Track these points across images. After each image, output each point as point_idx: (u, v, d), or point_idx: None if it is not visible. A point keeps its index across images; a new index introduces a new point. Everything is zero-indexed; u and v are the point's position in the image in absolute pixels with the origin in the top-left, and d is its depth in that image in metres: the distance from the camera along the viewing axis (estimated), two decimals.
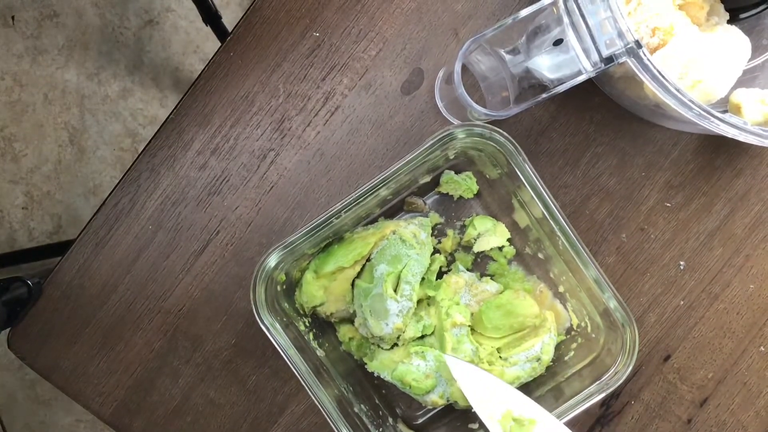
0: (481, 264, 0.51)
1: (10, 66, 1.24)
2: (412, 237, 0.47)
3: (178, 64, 1.25)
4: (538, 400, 0.44)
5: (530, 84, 0.41)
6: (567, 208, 0.51)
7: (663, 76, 0.36)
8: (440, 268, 0.50)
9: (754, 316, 0.51)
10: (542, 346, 0.47)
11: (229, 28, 0.92)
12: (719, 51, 0.42)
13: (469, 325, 0.47)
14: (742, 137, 0.37)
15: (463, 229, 0.51)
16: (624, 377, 0.44)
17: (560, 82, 0.38)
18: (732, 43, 0.44)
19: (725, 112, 0.43)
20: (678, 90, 0.36)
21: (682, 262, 0.51)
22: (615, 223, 0.51)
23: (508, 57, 0.41)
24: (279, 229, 0.51)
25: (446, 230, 0.51)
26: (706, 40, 0.43)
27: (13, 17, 1.24)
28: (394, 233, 0.47)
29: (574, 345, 0.49)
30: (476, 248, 0.50)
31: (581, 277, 0.45)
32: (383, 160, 0.51)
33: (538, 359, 0.47)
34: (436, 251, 0.51)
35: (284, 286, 0.48)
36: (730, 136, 0.37)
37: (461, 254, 0.51)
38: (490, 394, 0.44)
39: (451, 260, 0.51)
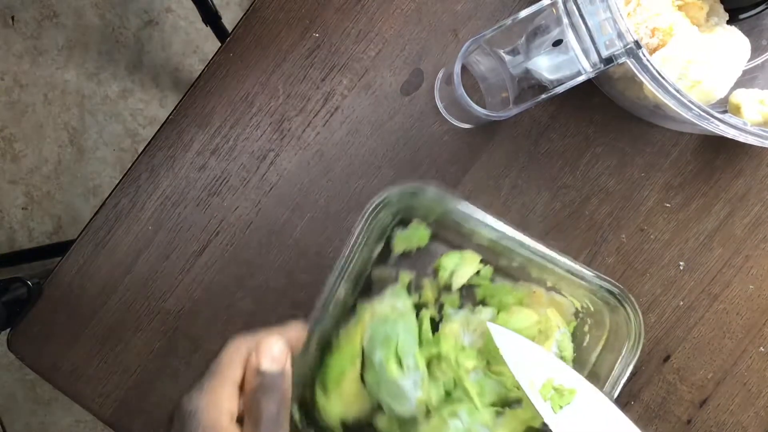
0: (468, 295, 0.51)
1: (10, 66, 1.24)
2: (391, 311, 0.46)
3: (178, 64, 1.25)
4: None
5: (530, 85, 0.41)
6: (567, 208, 0.51)
7: (662, 77, 0.36)
8: (433, 319, 0.49)
9: (754, 316, 0.51)
10: (558, 344, 0.46)
11: (229, 28, 0.92)
12: (718, 52, 0.42)
13: (483, 363, 0.47)
14: (742, 138, 0.37)
15: (435, 273, 0.51)
16: (642, 340, 0.44)
17: (560, 82, 0.38)
18: (731, 44, 0.44)
19: (725, 112, 0.43)
20: (677, 90, 0.36)
21: (681, 263, 0.51)
22: (615, 223, 0.51)
23: (507, 58, 0.41)
24: (279, 230, 0.51)
25: (421, 282, 0.51)
26: (706, 40, 0.43)
27: (13, 17, 1.24)
28: (373, 318, 0.46)
29: (586, 328, 0.49)
30: (455, 285, 0.50)
31: (557, 273, 0.46)
32: (383, 161, 0.51)
33: (561, 358, 0.47)
34: (422, 306, 0.50)
35: (304, 416, 0.47)
36: (729, 136, 0.37)
37: (446, 296, 0.50)
38: (531, 362, 0.44)
39: (440, 306, 0.51)
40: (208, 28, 1.00)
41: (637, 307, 0.44)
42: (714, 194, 0.51)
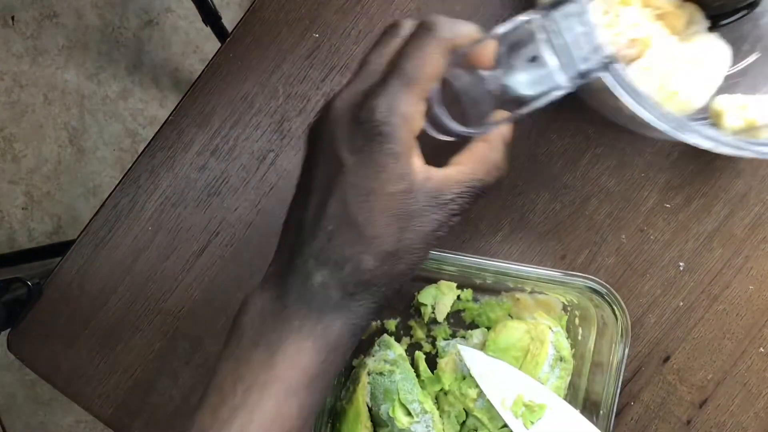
0: (457, 321, 0.51)
1: (10, 66, 1.24)
2: (384, 365, 0.47)
3: (178, 64, 1.25)
4: (596, 384, 0.46)
5: (509, 99, 0.40)
6: (567, 208, 0.51)
7: (635, 89, 0.36)
8: (430, 355, 0.50)
9: (754, 317, 0.51)
10: (554, 346, 0.46)
11: (229, 28, 0.92)
12: (696, 61, 0.42)
13: None
14: (719, 149, 0.37)
15: (418, 311, 0.51)
16: (628, 323, 0.45)
17: (538, 97, 0.38)
18: (710, 52, 0.43)
19: (707, 119, 0.43)
20: (650, 103, 0.36)
21: (681, 263, 0.51)
22: (614, 224, 0.51)
23: (486, 73, 0.41)
24: (279, 230, 0.51)
25: (408, 323, 0.51)
26: (683, 50, 0.42)
27: (13, 17, 1.24)
28: (369, 375, 0.47)
29: (577, 321, 0.49)
30: (440, 317, 0.50)
31: (530, 282, 0.46)
32: None
33: (561, 358, 0.47)
34: (416, 347, 0.50)
35: None
36: (704, 148, 0.37)
37: (435, 330, 0.51)
38: (501, 380, 0.45)
39: (433, 340, 0.51)
40: (208, 28, 1.00)
41: (610, 289, 0.45)
42: (714, 194, 0.51)
